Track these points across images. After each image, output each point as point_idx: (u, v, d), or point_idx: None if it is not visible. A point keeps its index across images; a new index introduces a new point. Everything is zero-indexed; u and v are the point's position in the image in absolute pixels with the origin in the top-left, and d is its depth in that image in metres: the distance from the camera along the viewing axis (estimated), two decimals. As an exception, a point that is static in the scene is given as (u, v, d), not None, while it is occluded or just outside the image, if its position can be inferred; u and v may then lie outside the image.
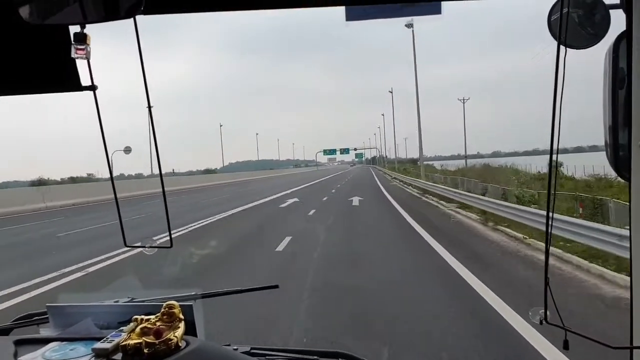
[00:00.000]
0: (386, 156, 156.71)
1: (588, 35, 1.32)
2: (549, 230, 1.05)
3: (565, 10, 0.94)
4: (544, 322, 1.05)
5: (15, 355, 1.12)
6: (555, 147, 0.93)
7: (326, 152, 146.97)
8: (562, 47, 0.93)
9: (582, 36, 1.32)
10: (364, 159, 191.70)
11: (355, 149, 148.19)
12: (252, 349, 1.28)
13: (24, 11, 0.84)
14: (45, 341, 1.21)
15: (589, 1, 1.35)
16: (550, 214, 1.00)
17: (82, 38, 0.91)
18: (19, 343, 1.19)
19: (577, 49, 1.25)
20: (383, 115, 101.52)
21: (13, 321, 1.51)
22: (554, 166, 1.03)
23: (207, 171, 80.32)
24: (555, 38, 1.11)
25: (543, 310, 1.05)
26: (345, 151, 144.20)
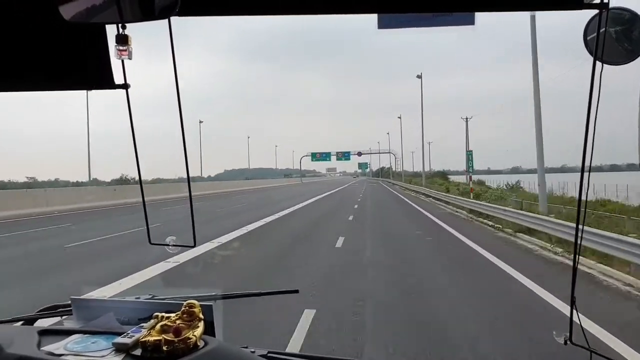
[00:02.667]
0: (392, 167, 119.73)
1: (625, 51, 1.29)
2: (578, 249, 1.02)
3: (602, 25, 0.92)
4: (568, 342, 1.02)
5: (39, 344, 1.14)
6: (587, 163, 0.91)
7: (315, 157, 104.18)
8: (598, 63, 0.91)
9: (619, 52, 1.29)
10: (368, 169, 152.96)
11: (359, 154, 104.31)
12: (269, 352, 1.28)
13: (64, 10, 0.86)
14: (68, 333, 1.23)
15: (627, 17, 1.32)
16: (580, 234, 0.98)
17: (123, 39, 0.94)
18: (42, 333, 1.22)
19: (613, 64, 1.22)
20: (420, 76, 57.45)
21: (38, 312, 1.54)
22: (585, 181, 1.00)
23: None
24: (591, 53, 1.09)
25: (568, 330, 1.03)
26: (344, 156, 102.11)
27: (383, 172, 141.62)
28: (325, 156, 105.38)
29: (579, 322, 1.04)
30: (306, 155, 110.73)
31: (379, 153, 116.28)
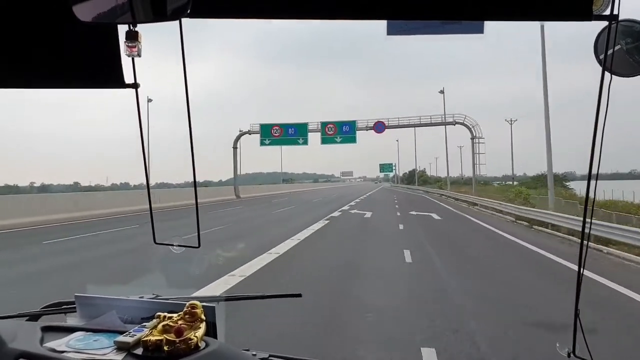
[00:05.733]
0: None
1: (636, 63, 1.29)
2: (582, 262, 1.02)
3: (612, 36, 0.92)
4: (572, 355, 1.01)
5: (42, 341, 1.15)
6: (594, 170, 0.91)
7: (269, 134, 45.92)
8: (607, 74, 0.91)
9: (629, 64, 1.29)
10: (393, 173, 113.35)
11: (377, 128, 45.16)
12: (270, 355, 1.28)
13: (78, 10, 0.88)
14: (70, 330, 1.24)
15: (638, 29, 1.32)
16: (585, 249, 0.98)
17: (133, 36, 0.95)
18: (45, 330, 1.22)
19: (623, 76, 1.22)
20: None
21: (42, 308, 1.55)
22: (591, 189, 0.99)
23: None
24: (600, 64, 1.09)
25: (572, 343, 1.02)
26: (343, 134, 44.97)
27: (412, 177, 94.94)
28: (293, 133, 45.77)
29: (582, 335, 1.03)
30: (250, 132, 48.72)
31: (431, 125, 48.04)
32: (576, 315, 1.01)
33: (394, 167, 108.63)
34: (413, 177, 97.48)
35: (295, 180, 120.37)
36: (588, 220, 0.99)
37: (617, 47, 1.10)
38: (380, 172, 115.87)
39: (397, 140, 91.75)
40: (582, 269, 1.02)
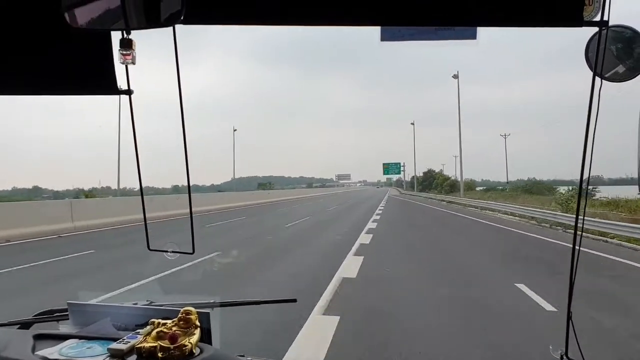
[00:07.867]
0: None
1: (626, 68, 1.30)
2: (575, 262, 1.02)
3: (602, 42, 0.93)
4: (564, 357, 1.02)
5: (33, 349, 1.14)
6: (586, 175, 0.92)
7: None
8: (597, 79, 0.92)
9: (620, 69, 1.30)
10: (401, 173, 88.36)
11: None
12: None
13: (71, 16, 0.87)
14: (63, 337, 1.23)
15: (628, 35, 1.34)
16: (577, 247, 0.98)
17: (128, 43, 0.95)
18: (38, 337, 1.21)
19: (613, 81, 1.24)
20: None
21: (34, 316, 1.54)
22: (583, 193, 1.00)
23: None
24: (591, 69, 1.10)
25: (564, 345, 1.02)
26: None
27: (429, 179, 74.63)
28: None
29: (575, 337, 1.03)
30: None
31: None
32: (569, 317, 1.01)
33: (402, 168, 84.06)
34: (431, 180, 73.91)
35: (274, 186, 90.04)
36: (580, 217, 1.00)
37: (608, 53, 1.12)
38: (384, 173, 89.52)
39: (413, 123, 66.22)
40: (574, 273, 1.03)
